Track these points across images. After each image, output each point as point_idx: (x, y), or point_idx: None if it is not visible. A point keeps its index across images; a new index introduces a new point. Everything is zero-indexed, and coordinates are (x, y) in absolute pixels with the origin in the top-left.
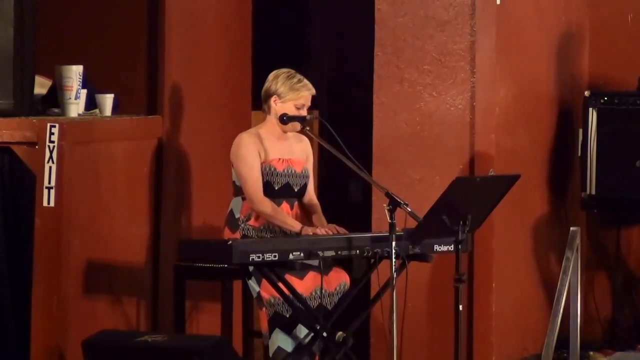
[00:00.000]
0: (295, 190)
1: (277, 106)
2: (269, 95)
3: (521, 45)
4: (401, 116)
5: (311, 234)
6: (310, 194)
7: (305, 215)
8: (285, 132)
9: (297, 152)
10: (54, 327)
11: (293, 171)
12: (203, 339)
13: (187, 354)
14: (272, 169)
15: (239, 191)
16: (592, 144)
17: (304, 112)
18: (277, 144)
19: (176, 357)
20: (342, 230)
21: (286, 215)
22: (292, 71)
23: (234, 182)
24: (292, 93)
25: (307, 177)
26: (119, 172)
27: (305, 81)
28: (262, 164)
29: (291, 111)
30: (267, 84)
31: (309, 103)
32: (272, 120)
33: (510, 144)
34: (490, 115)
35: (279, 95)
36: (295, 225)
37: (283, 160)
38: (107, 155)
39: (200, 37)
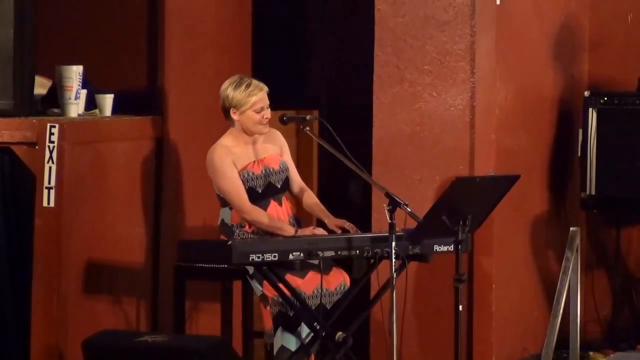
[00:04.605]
0: (279, 186)
1: (238, 117)
2: (227, 110)
3: (521, 45)
4: (401, 116)
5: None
6: (297, 182)
7: (299, 204)
8: (258, 134)
9: (269, 150)
10: (54, 327)
11: (271, 169)
12: (203, 339)
13: (187, 354)
14: (251, 174)
15: (225, 202)
16: (592, 144)
17: (266, 114)
18: (247, 150)
19: (176, 357)
20: (351, 226)
21: (278, 221)
22: (238, 77)
23: (218, 194)
24: (246, 100)
25: (287, 169)
26: (119, 172)
27: (254, 83)
28: (239, 172)
29: (253, 118)
30: (221, 100)
31: (267, 102)
32: (236, 130)
33: (510, 144)
34: (490, 115)
35: (235, 107)
36: (288, 230)
37: (258, 162)
38: (107, 155)
39: (200, 37)
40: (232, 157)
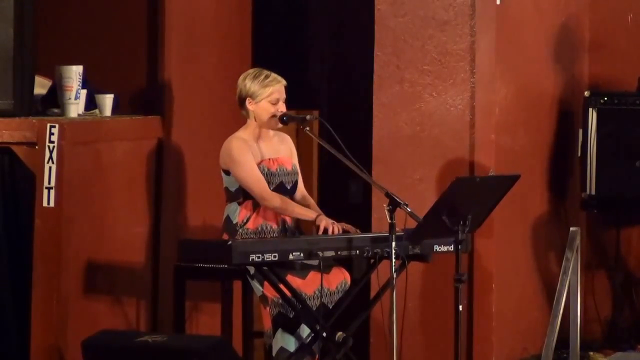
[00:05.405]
0: (288, 187)
1: (254, 107)
2: (243, 99)
3: (521, 45)
4: (401, 116)
5: (323, 225)
6: (301, 190)
7: None
8: (270, 129)
9: (282, 151)
10: (54, 327)
11: (285, 169)
12: (203, 339)
13: (187, 354)
14: (267, 169)
15: (233, 197)
16: (592, 144)
17: (282, 107)
18: (262, 146)
19: (176, 357)
20: (352, 229)
21: (299, 206)
22: (258, 69)
23: (226, 188)
24: (262, 90)
25: (297, 173)
26: (119, 172)
27: (273, 75)
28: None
29: (268, 109)
30: (238, 89)
31: (283, 95)
32: (252, 123)
33: (510, 144)
34: (490, 115)
35: (251, 97)
36: (310, 215)
37: (273, 160)
38: (107, 155)
39: (200, 36)
40: (250, 150)
